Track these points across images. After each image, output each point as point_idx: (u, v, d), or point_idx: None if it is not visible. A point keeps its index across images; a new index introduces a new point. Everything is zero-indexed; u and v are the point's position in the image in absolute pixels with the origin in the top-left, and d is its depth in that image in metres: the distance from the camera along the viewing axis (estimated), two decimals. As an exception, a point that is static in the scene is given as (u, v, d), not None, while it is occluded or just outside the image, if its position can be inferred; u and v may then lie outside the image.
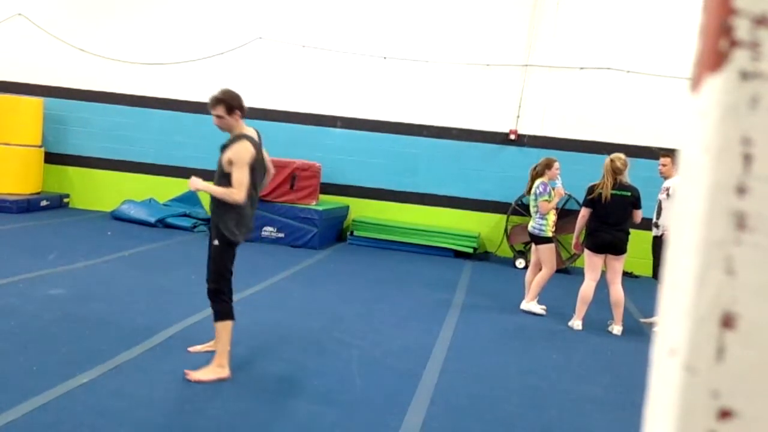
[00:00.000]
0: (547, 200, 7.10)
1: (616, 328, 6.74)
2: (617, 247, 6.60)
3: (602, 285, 6.92)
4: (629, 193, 6.55)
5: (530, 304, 7.27)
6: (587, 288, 6.74)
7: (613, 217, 6.55)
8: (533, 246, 7.44)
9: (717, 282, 0.47)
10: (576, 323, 6.79)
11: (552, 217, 7.20)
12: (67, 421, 3.71)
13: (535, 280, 7.22)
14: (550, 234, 7.19)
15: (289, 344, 5.46)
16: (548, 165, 7.27)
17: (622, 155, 6.70)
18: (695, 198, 0.49)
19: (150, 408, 4.00)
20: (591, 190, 6.71)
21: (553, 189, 7.19)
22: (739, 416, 0.47)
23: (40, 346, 4.85)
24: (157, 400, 4.12)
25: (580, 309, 6.78)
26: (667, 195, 7.01)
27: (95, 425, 3.70)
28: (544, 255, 7.16)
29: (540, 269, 7.28)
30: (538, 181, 7.21)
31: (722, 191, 0.47)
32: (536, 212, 7.21)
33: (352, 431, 3.94)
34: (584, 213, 6.76)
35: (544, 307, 7.26)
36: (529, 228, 7.35)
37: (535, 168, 7.38)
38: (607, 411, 4.72)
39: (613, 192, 6.53)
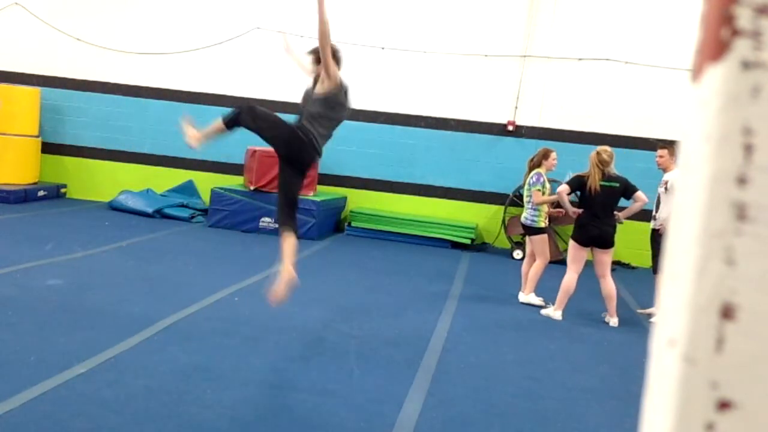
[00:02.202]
0: (539, 190, 7.10)
1: (612, 320, 6.75)
2: (604, 241, 6.60)
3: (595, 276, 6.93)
4: (617, 184, 6.57)
5: (529, 296, 7.28)
6: (570, 280, 6.73)
7: (602, 209, 6.55)
8: (527, 237, 7.45)
9: (717, 272, 0.47)
10: (556, 313, 6.77)
11: (545, 208, 7.20)
12: (64, 411, 3.72)
13: (530, 272, 7.23)
14: (542, 225, 7.19)
15: (286, 334, 5.47)
16: (545, 155, 7.26)
17: (608, 148, 6.72)
18: (695, 188, 0.49)
19: (147, 398, 4.00)
20: (579, 180, 6.69)
21: (556, 194, 7.18)
22: (738, 407, 0.47)
23: (38, 336, 4.85)
24: (155, 390, 4.13)
25: (562, 300, 6.77)
26: (666, 189, 7.02)
27: (93, 415, 3.70)
28: (537, 246, 7.17)
29: (535, 260, 7.29)
30: (533, 172, 7.22)
31: (723, 181, 0.47)
32: (529, 203, 7.22)
33: (349, 421, 3.95)
34: (564, 188, 6.73)
35: (542, 298, 7.28)
36: (522, 219, 7.36)
37: (532, 159, 7.38)
38: (604, 401, 4.74)
39: (602, 183, 6.53)
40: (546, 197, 7.14)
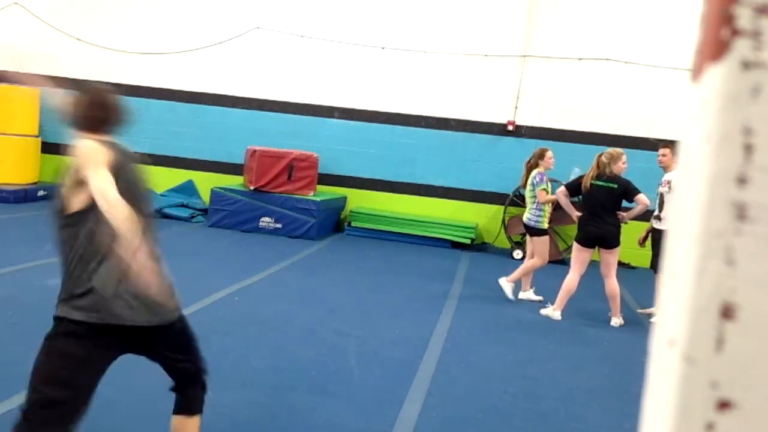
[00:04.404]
0: (544, 189, 7.11)
1: (615, 320, 6.75)
2: (606, 240, 6.60)
3: (598, 276, 6.92)
4: (616, 185, 6.56)
5: (527, 293, 7.33)
6: (572, 281, 6.74)
7: (600, 209, 6.55)
8: (528, 237, 7.47)
9: (717, 272, 0.47)
10: (555, 313, 6.78)
11: (548, 209, 7.21)
12: (64, 410, 3.71)
13: (523, 266, 7.30)
14: (545, 226, 7.20)
15: (286, 335, 5.47)
16: (541, 155, 7.30)
17: (614, 151, 6.74)
18: (695, 188, 0.48)
19: (148, 398, 4.00)
20: (578, 181, 6.77)
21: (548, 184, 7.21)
22: (738, 407, 0.47)
23: (38, 336, 4.84)
24: (154, 390, 4.12)
25: (562, 300, 6.78)
26: (669, 188, 7.02)
27: (91, 415, 3.69)
28: (539, 247, 7.19)
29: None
30: (534, 172, 7.23)
31: (723, 181, 0.47)
32: (533, 203, 7.22)
33: (349, 421, 3.95)
34: (562, 190, 6.84)
35: (541, 297, 7.30)
36: (525, 219, 7.36)
37: (529, 161, 7.41)
38: (604, 401, 4.74)
39: (597, 183, 6.55)
40: (551, 197, 7.14)
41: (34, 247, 7.60)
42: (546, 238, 7.22)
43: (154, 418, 3.76)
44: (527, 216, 7.30)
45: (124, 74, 11.74)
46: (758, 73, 0.47)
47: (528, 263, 7.27)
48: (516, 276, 7.31)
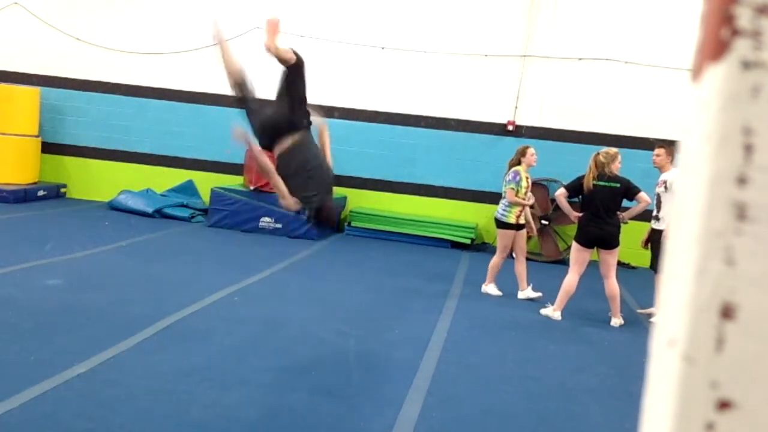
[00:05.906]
0: (513, 188, 7.16)
1: (615, 320, 6.76)
2: (607, 241, 6.60)
3: (598, 276, 6.92)
4: (618, 185, 6.57)
5: (525, 292, 7.45)
6: (570, 281, 6.74)
7: (602, 209, 6.55)
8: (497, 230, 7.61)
9: (717, 272, 0.47)
10: (555, 314, 6.79)
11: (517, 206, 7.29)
12: (64, 410, 3.72)
13: (490, 265, 7.49)
14: (512, 221, 7.26)
15: (286, 334, 5.47)
16: (523, 153, 7.36)
17: (612, 149, 6.76)
18: (695, 188, 0.49)
19: (147, 398, 4.00)
20: (578, 182, 6.77)
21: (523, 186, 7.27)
22: (738, 407, 0.47)
23: (38, 336, 4.85)
24: (155, 390, 4.13)
25: (562, 300, 6.78)
26: (665, 188, 7.02)
27: (93, 415, 3.70)
28: (501, 240, 7.33)
29: (524, 257, 7.53)
30: (511, 170, 7.30)
31: (723, 181, 0.47)
32: (503, 198, 7.32)
33: (348, 422, 3.95)
34: (562, 191, 6.88)
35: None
36: (495, 213, 7.47)
37: (512, 158, 7.47)
38: (604, 401, 4.74)
39: (599, 183, 6.55)
40: (518, 199, 7.19)
41: (33, 247, 7.60)
42: (510, 233, 7.30)
43: (153, 417, 3.76)
44: (497, 210, 7.42)
45: (124, 74, 11.74)
46: (758, 73, 0.47)
47: (492, 261, 7.50)
48: (490, 277, 7.53)
